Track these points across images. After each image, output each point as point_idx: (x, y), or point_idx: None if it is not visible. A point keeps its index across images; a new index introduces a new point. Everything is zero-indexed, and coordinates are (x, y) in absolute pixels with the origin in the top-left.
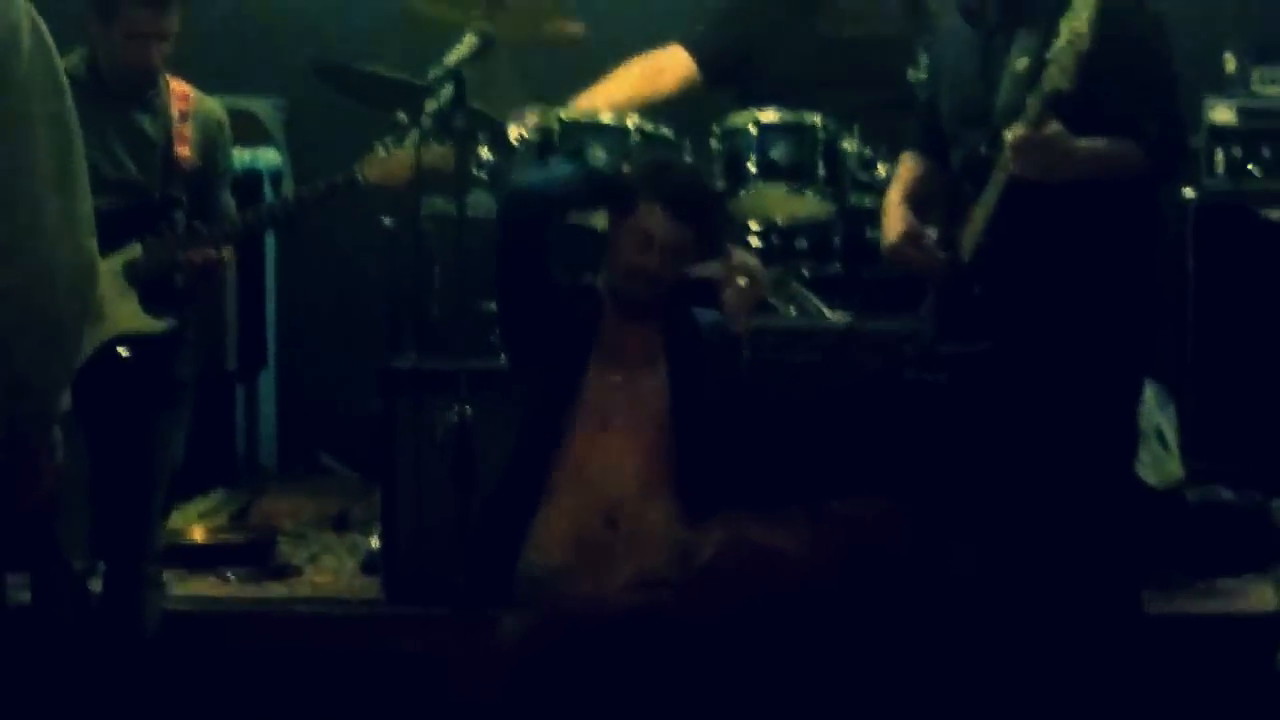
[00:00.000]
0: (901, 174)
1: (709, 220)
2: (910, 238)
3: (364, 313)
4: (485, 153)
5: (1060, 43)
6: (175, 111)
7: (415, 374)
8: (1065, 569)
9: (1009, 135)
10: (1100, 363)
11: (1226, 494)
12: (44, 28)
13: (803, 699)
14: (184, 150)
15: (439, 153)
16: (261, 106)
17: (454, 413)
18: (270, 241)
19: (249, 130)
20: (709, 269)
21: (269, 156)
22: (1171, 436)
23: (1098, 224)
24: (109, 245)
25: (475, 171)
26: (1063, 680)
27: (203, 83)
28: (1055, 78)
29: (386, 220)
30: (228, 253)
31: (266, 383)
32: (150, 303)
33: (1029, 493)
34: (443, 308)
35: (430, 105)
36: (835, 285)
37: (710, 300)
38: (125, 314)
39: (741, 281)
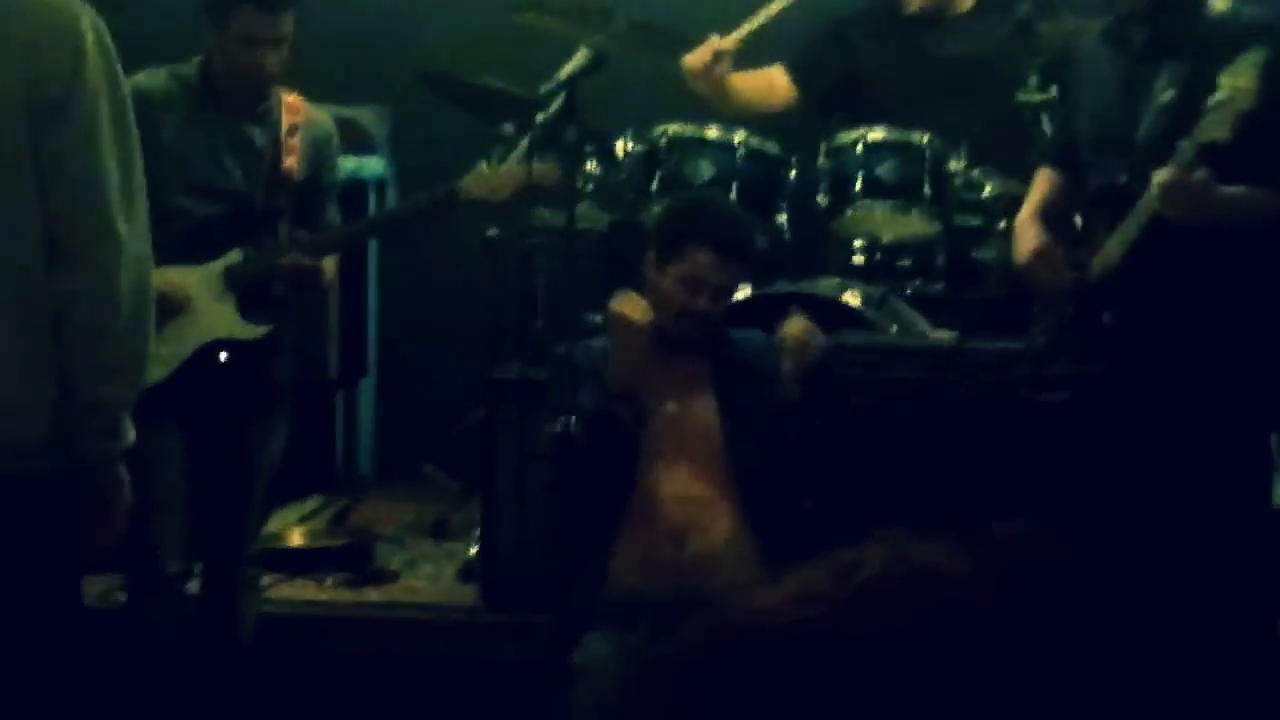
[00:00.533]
0: (1035, 190)
1: (755, 258)
2: (1044, 256)
3: (465, 323)
4: (591, 166)
5: (1221, 95)
6: (285, 124)
7: (518, 384)
8: (1200, 598)
9: (1157, 176)
10: (1239, 394)
11: None
12: (106, 34)
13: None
14: (291, 162)
15: (542, 169)
16: (367, 115)
17: (558, 424)
18: (373, 250)
19: (354, 138)
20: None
21: (373, 165)
22: None
23: (1239, 265)
24: (211, 251)
25: (582, 185)
26: (1200, 707)
27: (309, 91)
28: (1212, 129)
29: (491, 231)
30: (329, 263)
31: (366, 391)
32: (248, 309)
33: (1158, 518)
34: (547, 319)
35: (540, 117)
36: (938, 304)
37: (750, 322)
38: (223, 319)
39: (795, 352)
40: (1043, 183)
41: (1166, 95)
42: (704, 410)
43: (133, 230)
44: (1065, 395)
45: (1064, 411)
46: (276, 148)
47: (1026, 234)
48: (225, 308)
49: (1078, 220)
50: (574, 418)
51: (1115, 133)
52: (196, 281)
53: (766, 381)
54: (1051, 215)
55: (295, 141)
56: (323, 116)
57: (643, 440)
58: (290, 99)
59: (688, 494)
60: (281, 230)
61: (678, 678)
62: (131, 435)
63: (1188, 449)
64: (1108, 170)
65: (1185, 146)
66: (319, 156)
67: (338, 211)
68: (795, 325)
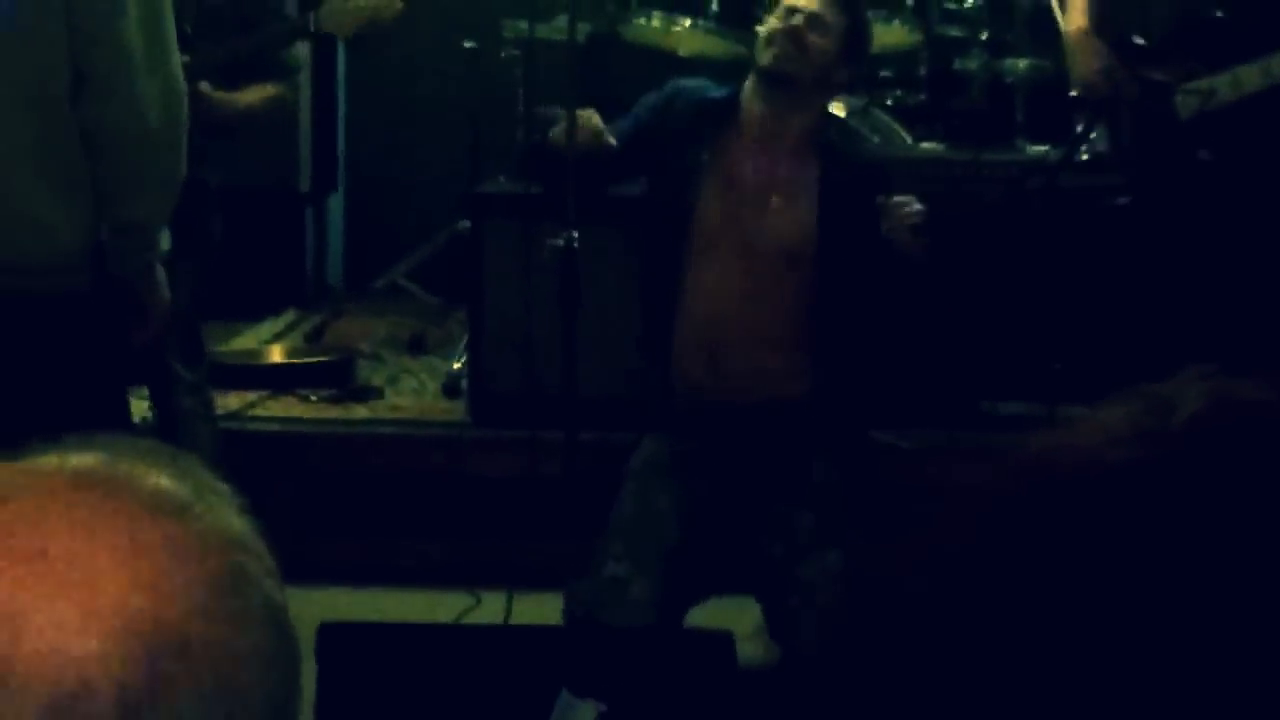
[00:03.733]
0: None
1: (858, 15)
2: (1108, 74)
3: (436, 137)
4: None
5: None
6: None
7: (506, 198)
8: None
9: None
10: None
11: None
12: None
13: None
14: None
15: (379, 4)
16: None
17: (560, 238)
18: (341, 63)
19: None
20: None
21: None
22: None
23: None
24: None
25: None
26: None
27: None
28: None
29: (467, 43)
30: (259, 92)
31: (335, 204)
32: None
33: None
34: (527, 132)
35: None
36: (919, 115)
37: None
38: None
39: (903, 222)
40: None
41: None
42: (803, 211)
43: (159, 51)
44: (1126, 200)
45: (1127, 213)
46: None
47: (1088, 47)
48: None
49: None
50: (575, 233)
51: None
52: None
53: (875, 189)
54: (1105, 25)
55: None
56: None
57: (696, 235)
58: None
59: (748, 293)
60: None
61: (984, 519)
62: (166, 244)
63: (1240, 287)
64: None
65: None
66: None
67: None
68: (899, 199)
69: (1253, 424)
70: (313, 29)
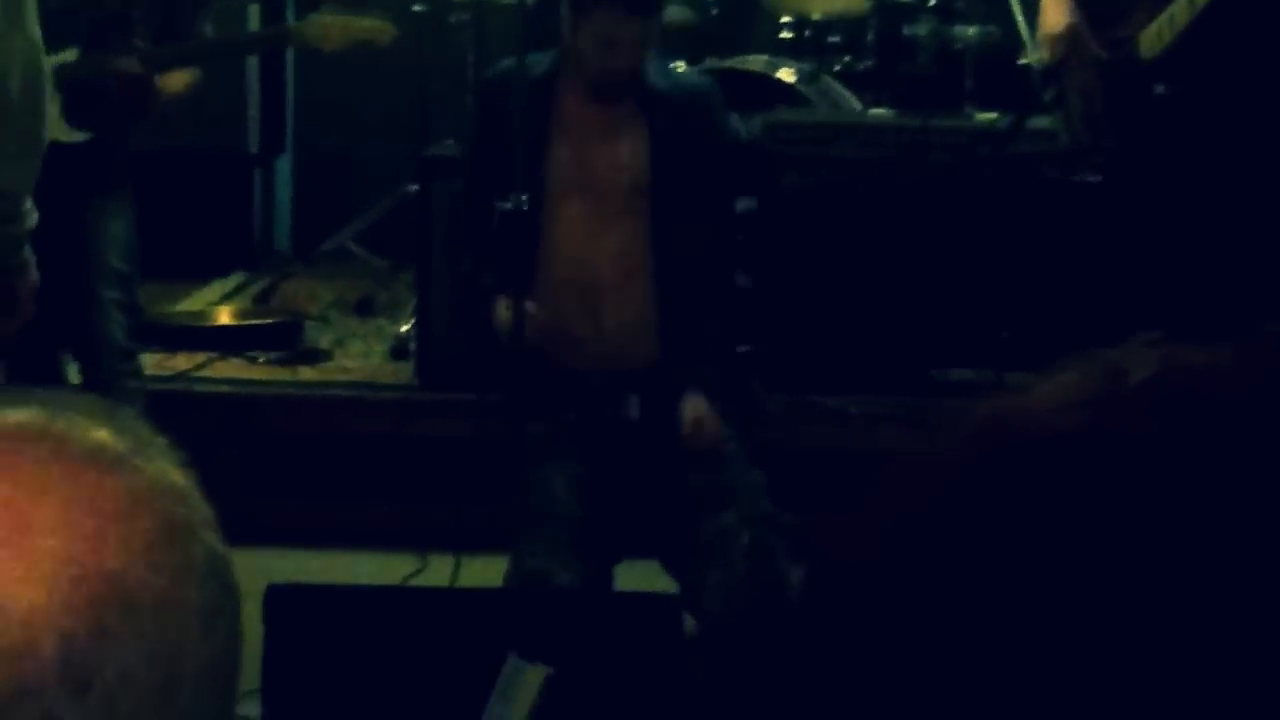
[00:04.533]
0: None
1: (653, 9)
2: (1075, 33)
3: (385, 99)
4: None
5: None
6: None
7: (455, 161)
8: None
9: None
10: None
11: None
12: None
13: (1243, 509)
14: None
15: (374, 27)
16: None
17: (509, 201)
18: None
19: None
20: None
21: None
22: None
23: None
24: (51, 47)
25: None
26: None
27: None
28: None
29: (416, 6)
30: (177, 79)
31: (283, 167)
32: (74, 111)
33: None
34: (475, 95)
35: None
36: (868, 81)
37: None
38: None
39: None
40: None
41: None
42: (631, 154)
43: (16, 16)
44: (1099, 177)
45: (1098, 191)
46: None
47: (1053, 12)
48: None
49: None
50: (524, 195)
51: None
52: None
53: (703, 121)
54: None
55: None
56: None
57: (548, 183)
58: None
59: (602, 246)
60: (138, 38)
61: (941, 486)
62: (33, 219)
63: (1237, 223)
64: None
65: None
66: None
67: (214, 30)
68: (694, 406)
69: (1205, 390)
70: (293, 42)
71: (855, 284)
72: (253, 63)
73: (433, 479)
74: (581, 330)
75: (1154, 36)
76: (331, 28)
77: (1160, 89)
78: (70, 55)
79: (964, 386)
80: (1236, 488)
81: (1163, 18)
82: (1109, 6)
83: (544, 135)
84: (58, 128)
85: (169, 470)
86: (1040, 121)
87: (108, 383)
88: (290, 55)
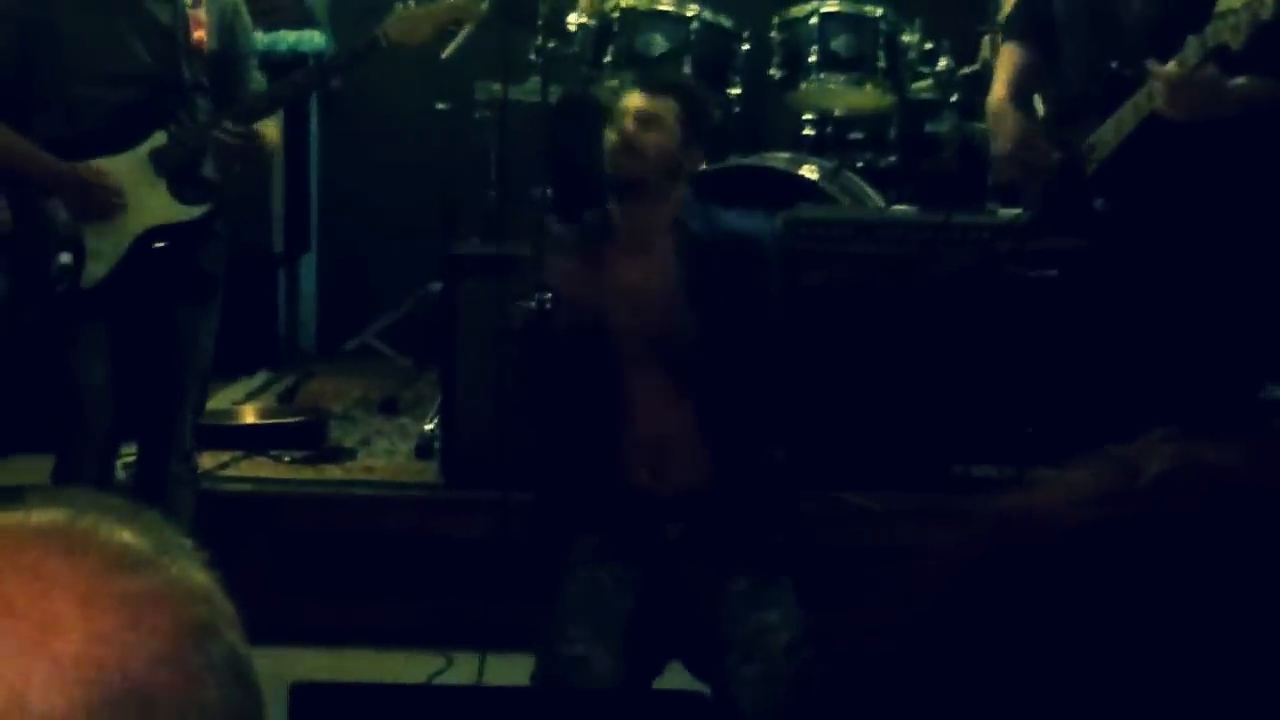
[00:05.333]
0: (1003, 67)
1: (690, 97)
2: (1027, 144)
3: (408, 197)
4: (542, 39)
5: (1236, 2)
6: None
7: (479, 259)
8: None
9: (1158, 71)
10: (1230, 285)
11: None
12: None
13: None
14: (200, 34)
15: (460, 2)
16: None
17: (532, 300)
18: (314, 124)
19: (294, 13)
20: None
21: (314, 39)
22: None
23: (1234, 155)
24: (133, 138)
25: (531, 57)
26: None
27: None
28: (1224, 34)
29: (440, 104)
30: (271, 129)
31: (308, 266)
32: (181, 191)
33: (1141, 400)
34: (498, 194)
35: None
36: (890, 177)
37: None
38: (158, 204)
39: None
40: (1011, 59)
41: None
42: (676, 300)
43: None
44: (1054, 272)
45: (1053, 288)
46: (183, 21)
47: (1005, 119)
48: (158, 192)
49: (1038, 101)
50: (548, 294)
51: (1100, 11)
52: (124, 170)
53: (744, 264)
54: (1023, 94)
55: (201, 13)
56: None
57: (611, 338)
58: None
59: (654, 388)
60: (201, 107)
61: (948, 581)
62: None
63: (1175, 334)
64: (1091, 51)
65: (1193, 46)
66: (228, 24)
67: (264, 79)
68: None
69: (1219, 486)
70: (384, 43)
71: (877, 380)
72: (278, 161)
73: (458, 577)
74: (653, 479)
75: (1087, 150)
76: (417, 18)
77: (1099, 203)
78: (159, 139)
79: (987, 483)
80: (1248, 582)
81: (1095, 134)
82: (1070, 103)
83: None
84: (174, 208)
85: (191, 570)
86: (969, 217)
87: (164, 480)
88: (314, 153)
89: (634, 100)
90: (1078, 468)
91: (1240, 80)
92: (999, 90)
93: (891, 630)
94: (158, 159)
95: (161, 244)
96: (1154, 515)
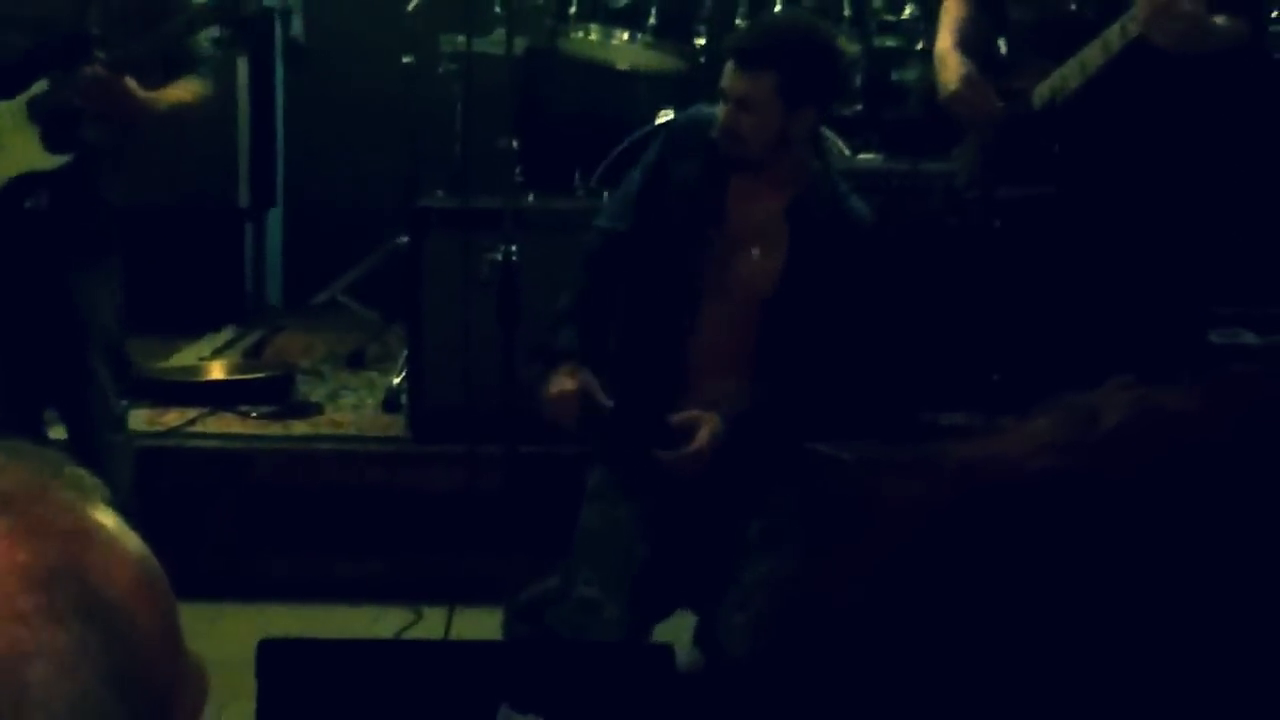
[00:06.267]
0: (948, 16)
1: (788, 62)
2: (972, 85)
3: (373, 152)
4: None
5: None
6: None
7: (446, 213)
8: None
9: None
10: (1189, 229)
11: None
12: None
13: (1216, 552)
14: None
15: None
16: None
17: (499, 252)
18: (280, 78)
19: None
20: None
21: None
22: None
23: (1198, 97)
24: (18, 86)
25: (497, 9)
26: None
27: None
28: None
29: (405, 58)
30: (185, 88)
31: (274, 221)
32: (54, 140)
33: (1092, 347)
34: (463, 146)
35: None
36: (856, 126)
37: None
38: (24, 151)
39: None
40: (955, 9)
41: None
42: (774, 262)
43: None
44: (997, 222)
45: (999, 237)
46: None
47: (950, 64)
48: (27, 140)
49: (1001, 45)
50: (514, 246)
51: None
52: (2, 118)
53: (853, 250)
54: (969, 42)
55: None
56: None
57: (700, 272)
58: None
59: (723, 337)
60: (101, 53)
61: (908, 530)
62: None
63: (1131, 278)
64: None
65: None
66: None
67: (213, 38)
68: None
69: (1176, 434)
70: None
71: (843, 329)
72: (243, 117)
73: (426, 532)
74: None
75: (1045, 92)
76: None
77: (1056, 148)
78: (40, 86)
79: (957, 431)
80: (1207, 528)
81: (1054, 76)
82: (997, 58)
83: (703, 227)
84: (39, 156)
85: (86, 511)
86: (936, 165)
87: (96, 449)
88: (280, 107)
89: (728, 80)
90: (1037, 416)
91: (1219, 18)
92: (945, 38)
93: (856, 580)
94: (33, 106)
95: (32, 202)
96: (1114, 463)
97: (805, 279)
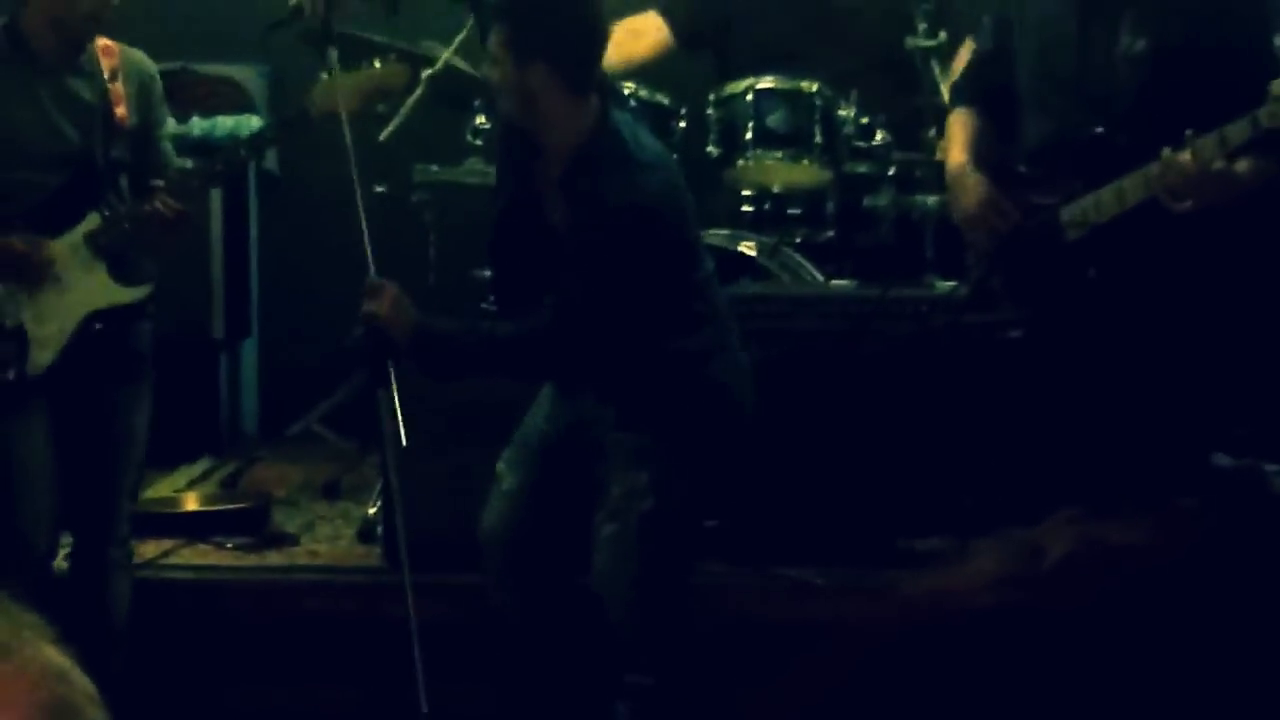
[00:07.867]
0: (958, 132)
1: (509, 16)
2: (992, 205)
3: (349, 281)
4: (480, 120)
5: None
6: (106, 70)
7: None
8: None
9: (1174, 161)
10: (1209, 364)
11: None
12: None
13: (1160, 686)
14: (121, 110)
15: (386, 70)
16: (245, 73)
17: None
18: (254, 209)
19: (233, 98)
20: None
21: (251, 123)
22: None
23: (1232, 232)
24: (66, 221)
25: (470, 139)
26: None
27: (187, 50)
28: (1237, 134)
29: (378, 187)
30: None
31: (249, 351)
32: (119, 273)
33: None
34: (438, 276)
35: (425, 73)
36: (828, 252)
37: None
38: (98, 288)
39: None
40: (964, 124)
41: (1138, 45)
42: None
43: None
44: (1020, 332)
45: (1019, 349)
46: (105, 98)
47: (968, 185)
48: (98, 275)
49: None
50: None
51: (1070, 76)
52: (61, 255)
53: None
54: (981, 157)
55: (120, 87)
56: (139, 55)
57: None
58: (103, 43)
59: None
60: (123, 184)
61: (863, 663)
62: None
63: (1138, 403)
64: (1065, 117)
65: (1207, 144)
66: (146, 97)
67: (172, 150)
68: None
69: (1118, 569)
70: (312, 112)
71: (818, 455)
72: (217, 247)
73: (402, 661)
74: None
75: (1079, 216)
76: (343, 86)
77: (1093, 273)
78: (93, 221)
79: (931, 556)
80: (1147, 661)
81: (1088, 201)
82: (1020, 174)
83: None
84: (115, 291)
85: (48, 651)
86: (909, 291)
87: (103, 567)
88: (254, 238)
89: (492, 44)
90: (980, 550)
91: (1243, 164)
92: (957, 154)
93: (805, 708)
94: (94, 241)
95: (100, 326)
96: (1055, 600)
97: (575, 247)
